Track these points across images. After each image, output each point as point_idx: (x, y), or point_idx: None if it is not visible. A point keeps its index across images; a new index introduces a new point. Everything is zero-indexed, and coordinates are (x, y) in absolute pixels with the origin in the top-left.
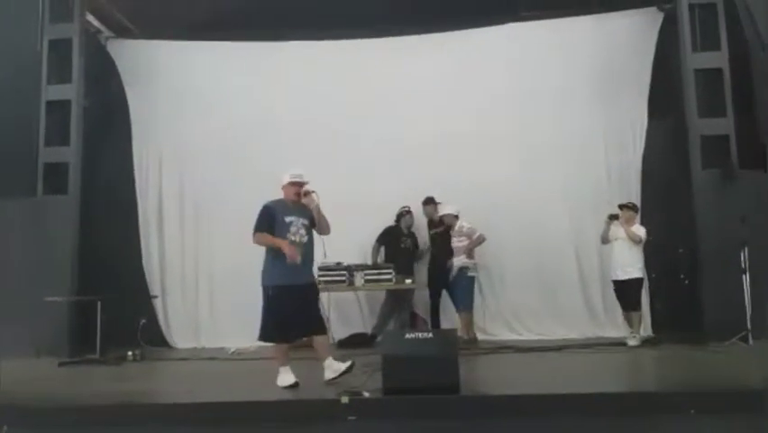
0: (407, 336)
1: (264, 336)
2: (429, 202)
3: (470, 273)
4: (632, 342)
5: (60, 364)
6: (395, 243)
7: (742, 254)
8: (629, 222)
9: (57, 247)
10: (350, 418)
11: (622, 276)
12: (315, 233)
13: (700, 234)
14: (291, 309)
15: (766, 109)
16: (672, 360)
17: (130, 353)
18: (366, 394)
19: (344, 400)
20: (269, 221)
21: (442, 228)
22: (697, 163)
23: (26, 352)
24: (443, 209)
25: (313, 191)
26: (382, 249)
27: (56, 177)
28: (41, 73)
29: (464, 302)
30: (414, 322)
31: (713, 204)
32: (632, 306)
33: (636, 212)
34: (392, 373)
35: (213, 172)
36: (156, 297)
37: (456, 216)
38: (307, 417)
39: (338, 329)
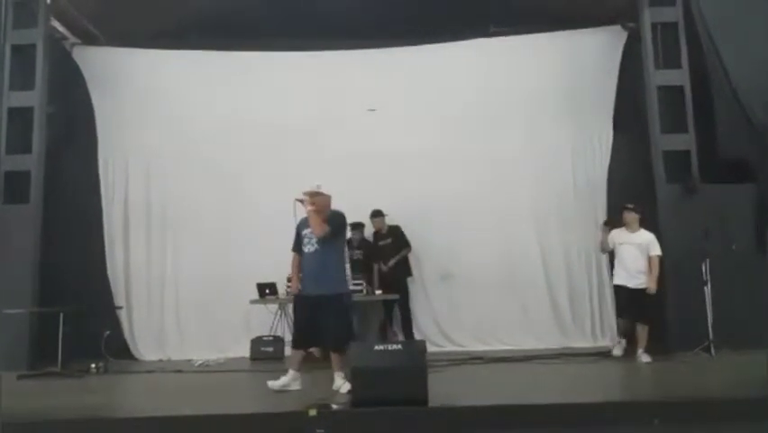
0: (376, 347)
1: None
2: (377, 215)
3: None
4: (645, 358)
5: (20, 377)
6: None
7: (703, 267)
8: (630, 226)
9: (18, 257)
10: (318, 430)
11: (634, 284)
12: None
13: (664, 247)
14: (302, 319)
15: (726, 126)
16: (636, 370)
17: (93, 365)
18: (334, 406)
19: (312, 412)
20: (295, 238)
21: (390, 240)
22: (660, 178)
23: None
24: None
25: (300, 199)
26: None
27: (17, 185)
28: (2, 79)
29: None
30: (384, 334)
31: (676, 217)
32: (643, 318)
33: (638, 213)
34: (361, 385)
35: (180, 181)
36: (121, 308)
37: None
38: (275, 430)
39: None
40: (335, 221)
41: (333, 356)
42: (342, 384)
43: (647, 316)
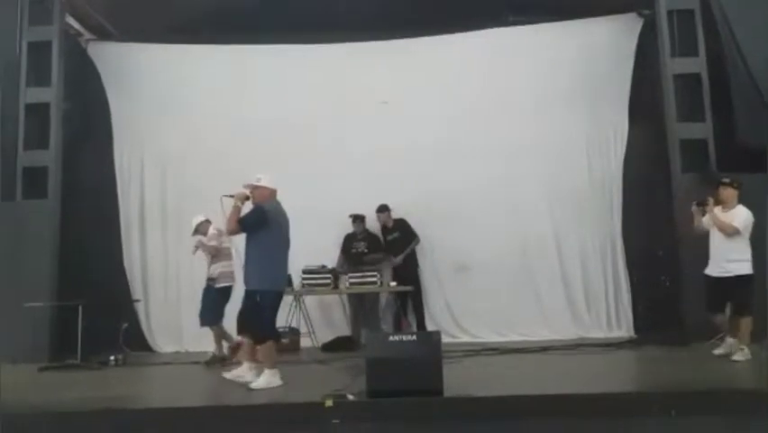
0: (391, 338)
1: None
2: (383, 210)
3: (217, 285)
4: (738, 356)
5: (41, 370)
6: (348, 248)
7: None
8: (726, 204)
9: (37, 252)
10: (334, 421)
11: (717, 272)
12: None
13: (680, 237)
14: None
15: (744, 114)
16: (652, 361)
17: (112, 357)
18: (350, 397)
19: (329, 403)
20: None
21: (397, 234)
22: (676, 167)
23: (5, 357)
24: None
25: (230, 195)
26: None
27: (35, 181)
28: (19, 76)
29: (206, 316)
30: (399, 325)
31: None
32: (736, 309)
33: (736, 189)
34: (376, 375)
35: (195, 175)
36: (138, 301)
37: (208, 222)
38: (291, 420)
39: (323, 332)
40: (248, 215)
41: (246, 345)
42: (248, 376)
43: (742, 304)
